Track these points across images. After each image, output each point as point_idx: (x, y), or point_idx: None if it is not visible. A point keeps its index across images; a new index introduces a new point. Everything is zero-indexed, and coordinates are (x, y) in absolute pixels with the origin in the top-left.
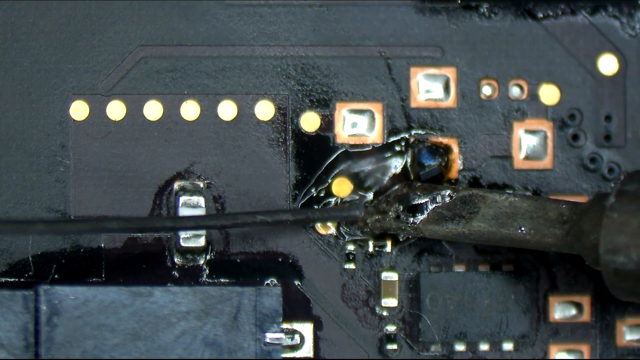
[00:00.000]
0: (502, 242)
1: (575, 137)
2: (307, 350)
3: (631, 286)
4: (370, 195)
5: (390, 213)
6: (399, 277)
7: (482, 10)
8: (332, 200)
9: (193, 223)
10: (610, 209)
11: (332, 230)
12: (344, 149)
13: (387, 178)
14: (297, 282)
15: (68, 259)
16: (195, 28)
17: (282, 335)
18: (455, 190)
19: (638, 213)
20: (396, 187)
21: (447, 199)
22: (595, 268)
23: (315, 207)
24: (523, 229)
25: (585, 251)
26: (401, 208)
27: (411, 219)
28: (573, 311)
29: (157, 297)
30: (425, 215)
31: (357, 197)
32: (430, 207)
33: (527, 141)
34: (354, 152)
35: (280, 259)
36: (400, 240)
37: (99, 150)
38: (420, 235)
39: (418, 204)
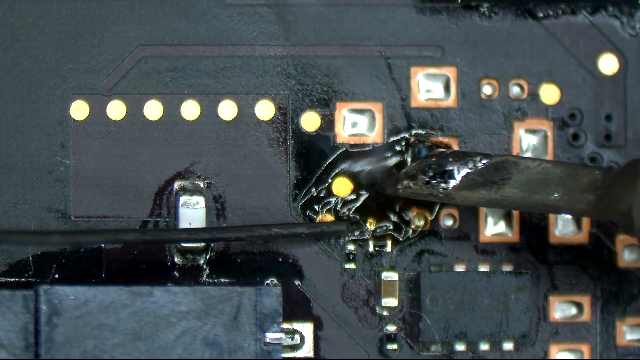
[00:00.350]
0: (535, 209)
1: (575, 136)
2: (307, 350)
3: None
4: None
5: (421, 178)
6: (399, 277)
7: (482, 9)
8: (333, 200)
9: (186, 235)
10: None
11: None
12: (344, 149)
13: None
14: (297, 282)
15: (68, 258)
16: (195, 28)
17: (282, 335)
18: (488, 156)
19: None
20: (428, 154)
21: (480, 165)
22: (629, 234)
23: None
24: (556, 194)
25: (618, 216)
26: (432, 174)
27: (442, 185)
28: (573, 311)
29: (157, 297)
30: (457, 181)
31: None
32: (462, 173)
33: (527, 141)
34: (354, 152)
35: (280, 259)
36: (401, 240)
37: (99, 150)
38: (452, 202)
39: (450, 170)
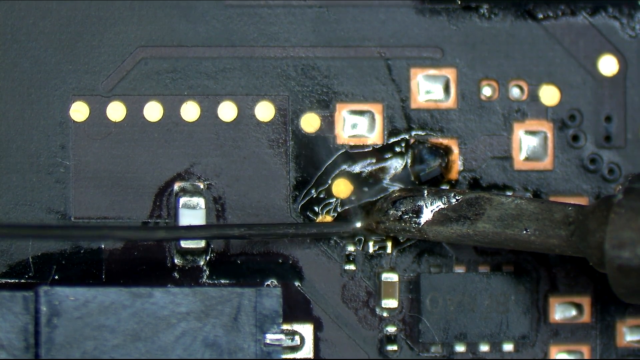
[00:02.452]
0: (507, 244)
1: (575, 137)
2: (307, 351)
3: (635, 284)
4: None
5: (392, 214)
6: (399, 278)
7: (482, 11)
8: (332, 201)
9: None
10: (617, 205)
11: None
12: (344, 150)
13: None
14: (297, 283)
15: (68, 260)
16: (195, 29)
17: (282, 336)
18: (461, 192)
19: None
20: (399, 188)
21: (453, 201)
22: (599, 270)
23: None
24: (528, 230)
25: (590, 250)
26: (404, 209)
27: (415, 220)
28: (573, 312)
29: (157, 298)
30: (430, 217)
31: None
32: (435, 209)
33: (527, 142)
34: (354, 153)
35: (280, 260)
36: (401, 241)
37: (99, 152)
38: (424, 238)
39: (422, 206)
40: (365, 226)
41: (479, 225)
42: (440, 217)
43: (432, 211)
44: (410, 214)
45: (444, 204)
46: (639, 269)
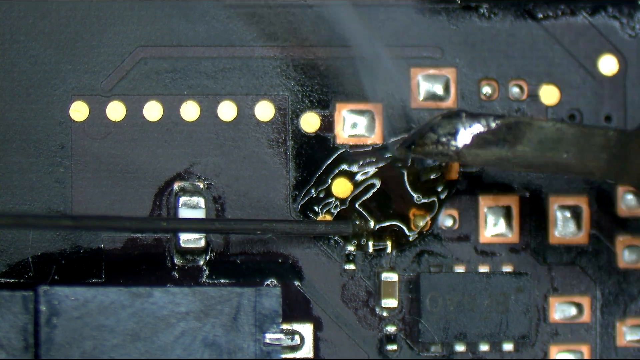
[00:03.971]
0: (546, 168)
1: None
2: (307, 351)
3: None
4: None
5: (430, 137)
6: (399, 278)
7: (482, 10)
8: (332, 200)
9: (187, 225)
10: None
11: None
12: (344, 150)
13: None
14: (297, 283)
15: (68, 259)
16: (194, 29)
17: (281, 335)
18: (501, 116)
19: None
20: (439, 114)
21: (493, 125)
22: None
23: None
24: (568, 153)
25: (629, 177)
26: (442, 132)
27: (453, 143)
28: (573, 312)
29: (157, 297)
30: (468, 140)
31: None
32: (475, 131)
33: None
34: (354, 153)
35: (280, 260)
36: (403, 242)
37: (98, 151)
38: (463, 161)
39: (461, 129)
40: (404, 152)
41: (519, 148)
42: (479, 140)
43: (471, 134)
44: (448, 137)
45: (484, 127)
46: None
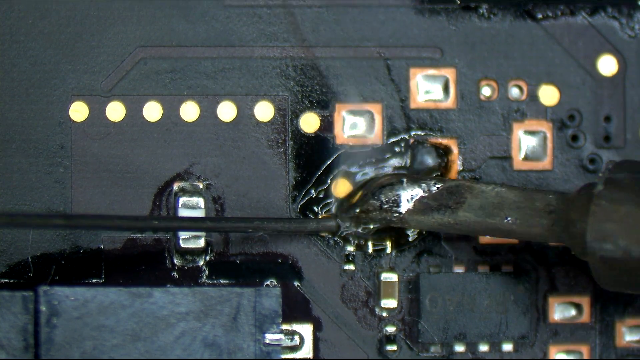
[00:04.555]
0: (488, 233)
1: (574, 138)
2: (307, 351)
3: (617, 275)
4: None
5: (373, 204)
6: (398, 278)
7: (481, 11)
8: (332, 201)
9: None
10: (598, 196)
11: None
12: (343, 150)
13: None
14: (296, 283)
15: (68, 259)
16: (194, 29)
17: (281, 336)
18: (442, 180)
19: (626, 201)
20: (381, 178)
21: (434, 189)
22: (582, 258)
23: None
24: (509, 218)
25: (572, 240)
26: (385, 199)
27: (396, 209)
28: (572, 312)
29: (157, 298)
30: (410, 206)
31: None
32: (416, 197)
33: (526, 142)
34: (354, 153)
35: (279, 260)
36: (402, 242)
37: (98, 152)
38: (406, 226)
39: (402, 195)
40: (348, 219)
41: (460, 214)
42: (420, 206)
43: (412, 200)
44: (391, 204)
45: (424, 192)
46: (621, 261)
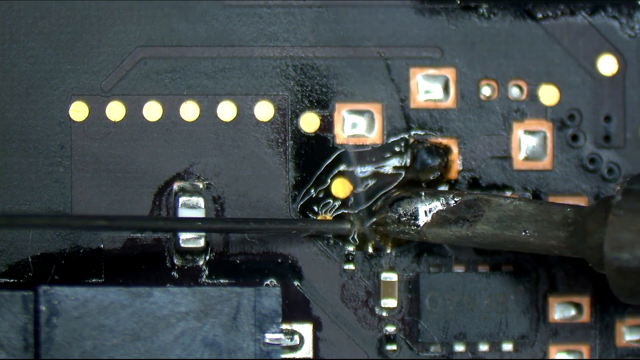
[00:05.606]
0: (506, 246)
1: (574, 137)
2: (307, 350)
3: (634, 285)
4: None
5: (390, 217)
6: (398, 278)
7: (481, 10)
8: (332, 200)
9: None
10: (616, 206)
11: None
12: (343, 150)
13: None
14: (296, 283)
15: (68, 259)
16: (194, 29)
17: (281, 335)
18: (460, 194)
19: None
20: (399, 190)
21: (452, 203)
22: (599, 270)
23: (309, 217)
24: (527, 231)
25: (589, 252)
26: (402, 212)
27: (414, 222)
28: (572, 312)
29: (157, 297)
30: (428, 219)
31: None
32: (434, 210)
33: (526, 142)
34: (354, 153)
35: (279, 260)
36: (402, 242)
37: (98, 151)
38: (424, 239)
39: (420, 208)
40: (365, 230)
41: (478, 227)
42: (438, 219)
43: (430, 213)
44: (409, 217)
45: (442, 205)
46: (638, 271)
